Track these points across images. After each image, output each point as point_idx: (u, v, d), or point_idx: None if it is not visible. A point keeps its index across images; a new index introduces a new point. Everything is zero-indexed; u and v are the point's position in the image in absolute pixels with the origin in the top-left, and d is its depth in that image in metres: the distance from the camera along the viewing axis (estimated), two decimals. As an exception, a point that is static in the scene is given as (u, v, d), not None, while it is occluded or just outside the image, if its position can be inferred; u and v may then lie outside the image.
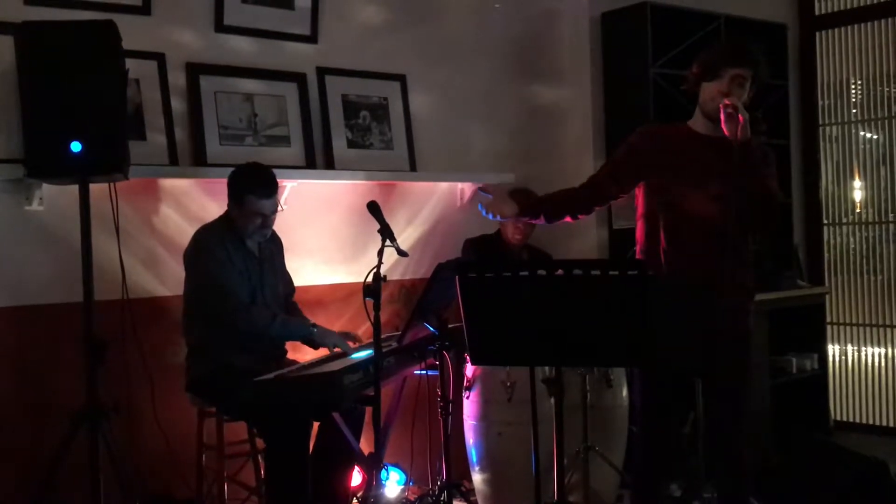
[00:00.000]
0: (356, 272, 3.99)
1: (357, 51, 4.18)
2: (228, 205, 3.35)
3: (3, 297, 3.27)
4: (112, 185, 3.15)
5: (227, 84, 3.80)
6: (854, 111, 5.65)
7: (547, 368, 3.19)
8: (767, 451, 4.46)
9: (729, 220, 2.91)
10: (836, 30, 5.62)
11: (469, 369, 3.81)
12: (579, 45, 4.71)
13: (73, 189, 3.02)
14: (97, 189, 3.09)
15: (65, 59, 2.86)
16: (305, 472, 3.05)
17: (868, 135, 5.62)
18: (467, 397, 3.82)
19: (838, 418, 5.56)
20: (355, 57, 4.17)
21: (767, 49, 4.07)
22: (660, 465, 3.16)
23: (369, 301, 2.86)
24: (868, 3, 5.46)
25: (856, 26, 5.53)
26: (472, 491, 3.91)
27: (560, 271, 2.35)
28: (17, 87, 3.00)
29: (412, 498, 3.88)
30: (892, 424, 5.34)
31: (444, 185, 4.44)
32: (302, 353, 3.52)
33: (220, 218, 3.39)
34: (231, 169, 3.36)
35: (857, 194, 5.65)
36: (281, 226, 3.48)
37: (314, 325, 3.38)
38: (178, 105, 3.68)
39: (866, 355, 5.51)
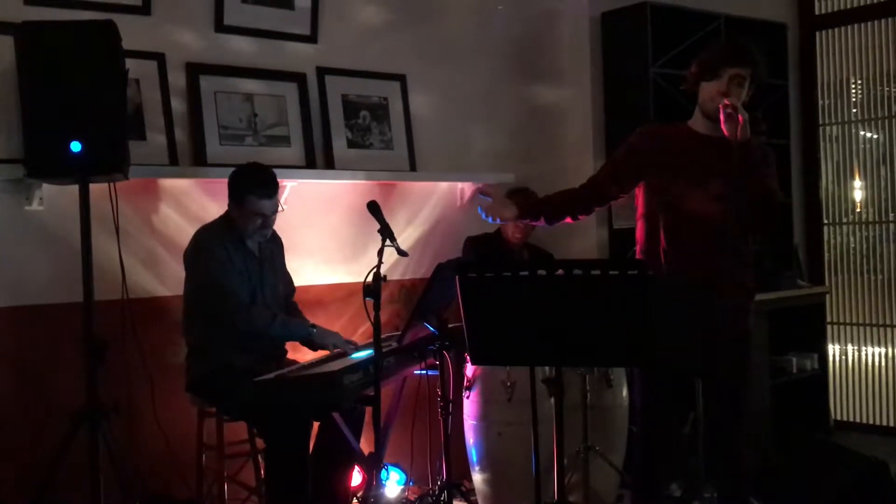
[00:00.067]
0: (356, 272, 3.99)
1: (357, 51, 4.18)
2: (229, 205, 3.34)
3: (3, 297, 3.27)
4: (112, 185, 3.15)
5: (227, 84, 3.80)
6: (854, 111, 5.65)
7: (547, 368, 3.20)
8: (767, 451, 4.46)
9: (729, 220, 2.92)
10: (836, 29, 5.62)
11: (469, 369, 3.81)
12: (579, 45, 4.71)
13: (73, 189, 3.01)
14: (97, 189, 3.09)
15: (65, 59, 2.86)
16: (305, 472, 3.05)
17: (868, 134, 5.62)
18: (467, 397, 3.83)
19: (838, 418, 5.56)
20: (355, 57, 4.17)
21: (767, 49, 4.08)
22: (660, 465, 3.16)
23: (369, 301, 2.86)
24: (868, 2, 5.46)
25: (856, 26, 5.53)
26: (472, 491, 3.91)
27: (560, 271, 2.35)
28: (17, 87, 3.00)
29: (412, 498, 3.88)
30: (892, 424, 5.34)
31: (444, 185, 4.44)
32: (302, 354, 3.52)
33: (221, 218, 3.39)
34: (231, 169, 3.36)
35: (858, 194, 5.65)
36: (281, 226, 3.48)
37: (314, 326, 3.38)
38: (178, 105, 3.68)
39: (866, 355, 5.51)
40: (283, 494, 3.07)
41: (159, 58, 3.62)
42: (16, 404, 3.26)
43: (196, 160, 3.67)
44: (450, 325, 3.31)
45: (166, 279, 3.60)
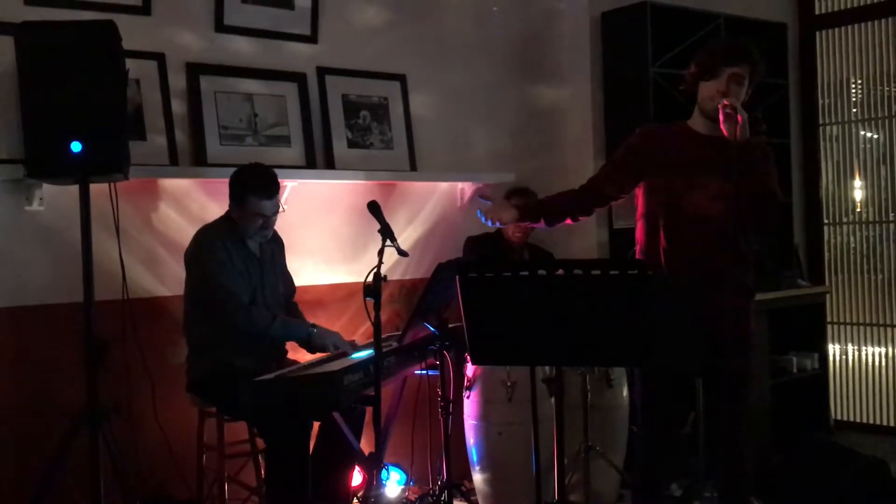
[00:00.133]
0: (356, 272, 3.99)
1: (357, 51, 4.18)
2: (230, 205, 3.35)
3: (4, 297, 3.27)
4: (112, 185, 3.15)
5: (227, 84, 3.80)
6: (854, 110, 5.65)
7: (547, 368, 3.20)
8: (767, 450, 4.46)
9: (729, 220, 2.91)
10: (836, 29, 5.62)
11: (469, 369, 3.81)
12: (579, 45, 4.71)
13: (74, 189, 3.01)
14: (97, 189, 3.09)
15: (65, 60, 2.86)
16: (306, 472, 3.05)
17: (868, 134, 5.62)
18: (468, 397, 3.83)
19: (839, 418, 5.56)
20: (355, 57, 4.17)
21: (767, 48, 4.07)
22: (660, 465, 3.16)
23: (370, 301, 2.86)
24: (868, 2, 5.46)
25: (856, 25, 5.53)
26: (472, 491, 3.91)
27: (560, 271, 2.35)
28: (17, 87, 3.00)
29: (413, 498, 3.88)
30: (892, 424, 5.34)
31: (444, 185, 4.44)
32: (302, 354, 3.51)
33: (222, 218, 3.39)
34: (231, 169, 3.36)
35: (858, 193, 5.65)
36: (281, 226, 3.48)
37: (314, 326, 3.38)
38: (178, 105, 3.68)
39: (867, 355, 5.51)
40: (284, 494, 3.07)
41: (159, 58, 3.63)
42: (16, 404, 3.26)
43: (196, 160, 3.67)
44: (450, 325, 3.31)
45: (166, 279, 3.60)
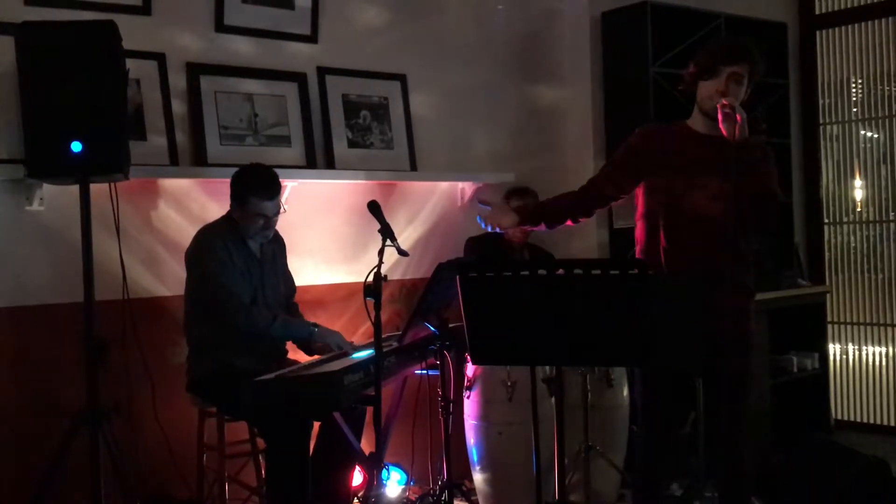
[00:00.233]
0: (357, 272, 3.99)
1: (357, 50, 4.18)
2: (231, 205, 3.35)
3: (4, 297, 3.27)
4: (112, 185, 3.15)
5: (228, 84, 3.80)
6: (854, 110, 5.65)
7: (547, 368, 3.20)
8: (768, 450, 4.46)
9: (729, 220, 2.91)
10: (837, 28, 5.62)
11: (470, 369, 3.81)
12: (579, 44, 4.71)
13: (74, 189, 3.01)
14: (98, 189, 3.09)
15: (65, 60, 2.86)
16: (306, 472, 3.05)
17: (868, 133, 5.62)
18: (468, 397, 3.83)
19: (839, 417, 5.57)
20: (356, 57, 4.17)
21: (768, 48, 4.07)
22: (661, 465, 3.15)
23: (370, 301, 2.85)
24: (868, 1, 5.46)
25: (856, 25, 5.53)
26: (472, 490, 3.91)
27: (561, 271, 2.35)
28: (18, 87, 3.00)
29: (413, 498, 3.88)
30: (892, 423, 5.34)
31: (444, 185, 4.45)
32: (303, 354, 3.51)
33: (223, 218, 3.39)
34: (231, 169, 3.36)
35: (858, 193, 5.65)
36: (281, 226, 3.48)
37: (315, 325, 3.38)
38: (178, 105, 3.68)
39: (867, 354, 5.51)
40: (284, 494, 3.07)
41: (160, 58, 3.63)
42: (16, 404, 3.26)
43: (196, 160, 3.67)
44: (450, 325, 3.31)
45: (167, 279, 3.60)
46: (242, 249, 3.34)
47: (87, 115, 2.85)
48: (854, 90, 5.63)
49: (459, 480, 3.79)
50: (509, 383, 3.66)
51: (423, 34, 4.39)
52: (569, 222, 3.19)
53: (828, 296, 5.44)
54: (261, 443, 3.37)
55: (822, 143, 5.70)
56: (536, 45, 4.77)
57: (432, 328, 3.31)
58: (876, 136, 5.57)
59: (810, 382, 5.21)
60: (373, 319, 2.86)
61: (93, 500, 2.93)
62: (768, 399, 4.68)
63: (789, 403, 4.89)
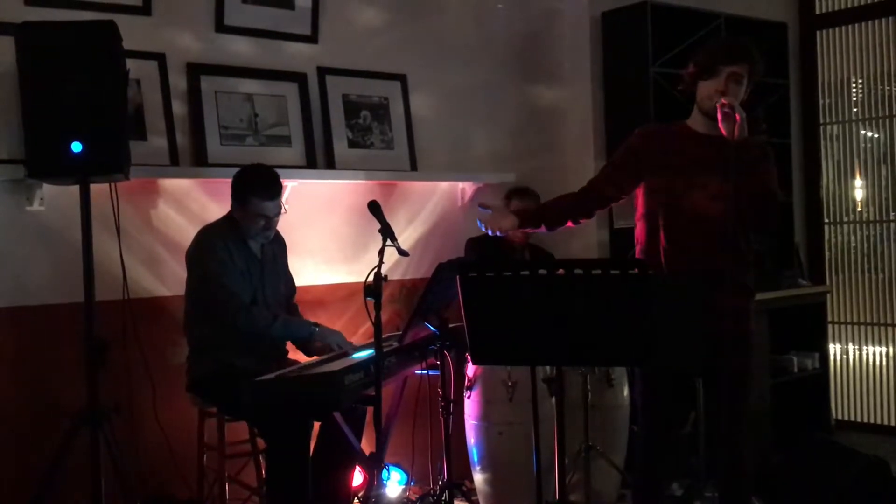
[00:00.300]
0: (357, 272, 3.99)
1: (357, 50, 4.18)
2: (232, 205, 3.35)
3: (4, 297, 3.27)
4: (113, 185, 3.15)
5: (228, 84, 3.80)
6: (855, 110, 5.65)
7: (548, 368, 3.20)
8: (768, 450, 4.46)
9: (729, 220, 2.91)
10: (837, 28, 5.62)
11: (470, 369, 3.81)
12: (579, 45, 4.71)
13: (74, 189, 3.02)
14: (98, 189, 3.09)
15: (65, 60, 2.86)
16: (306, 472, 3.05)
17: (869, 133, 5.62)
18: (468, 397, 3.82)
19: (839, 417, 5.57)
20: (356, 57, 4.17)
21: (768, 48, 4.07)
22: (661, 465, 3.15)
23: (370, 301, 2.85)
24: (868, 1, 5.46)
25: (856, 25, 5.53)
26: (473, 491, 3.91)
27: (561, 271, 2.35)
28: (18, 87, 3.00)
29: (413, 498, 3.88)
30: (893, 423, 5.34)
31: (444, 185, 4.45)
32: (303, 354, 3.51)
33: (224, 218, 3.39)
34: (232, 169, 3.36)
35: (858, 193, 5.65)
36: (282, 226, 3.47)
37: (316, 325, 3.38)
38: (178, 105, 3.68)
39: (867, 354, 5.51)
40: (284, 494, 3.07)
41: (160, 58, 3.63)
42: (16, 404, 3.26)
43: (197, 160, 3.68)
44: (450, 325, 3.31)
45: (167, 279, 3.60)
46: (243, 249, 3.34)
47: (88, 115, 2.86)
48: (854, 90, 5.63)
49: (460, 480, 3.79)
50: (510, 383, 3.66)
51: (423, 34, 4.39)
52: (569, 224, 3.20)
53: (828, 296, 5.44)
54: (261, 443, 3.37)
55: (822, 142, 5.70)
56: (536, 45, 4.77)
57: (432, 328, 3.31)
58: (876, 135, 5.57)
59: (810, 382, 5.21)
60: (373, 319, 2.86)
61: (93, 500, 2.93)
62: (768, 399, 4.68)
63: (789, 403, 4.89)
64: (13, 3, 3.29)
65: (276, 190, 3.29)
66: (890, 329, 5.41)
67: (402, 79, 4.31)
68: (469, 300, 2.41)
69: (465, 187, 4.47)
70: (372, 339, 2.92)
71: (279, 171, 3.40)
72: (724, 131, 2.81)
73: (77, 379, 3.06)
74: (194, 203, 3.68)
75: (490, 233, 3.19)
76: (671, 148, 3.03)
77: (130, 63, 3.07)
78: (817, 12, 5.68)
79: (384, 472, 3.65)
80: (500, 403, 3.70)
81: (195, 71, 3.72)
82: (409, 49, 4.34)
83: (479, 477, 3.84)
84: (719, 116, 2.82)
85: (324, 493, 3.20)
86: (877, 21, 5.44)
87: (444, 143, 4.46)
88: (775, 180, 3.01)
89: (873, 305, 5.50)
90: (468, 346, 2.48)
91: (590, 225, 4.50)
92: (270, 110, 3.89)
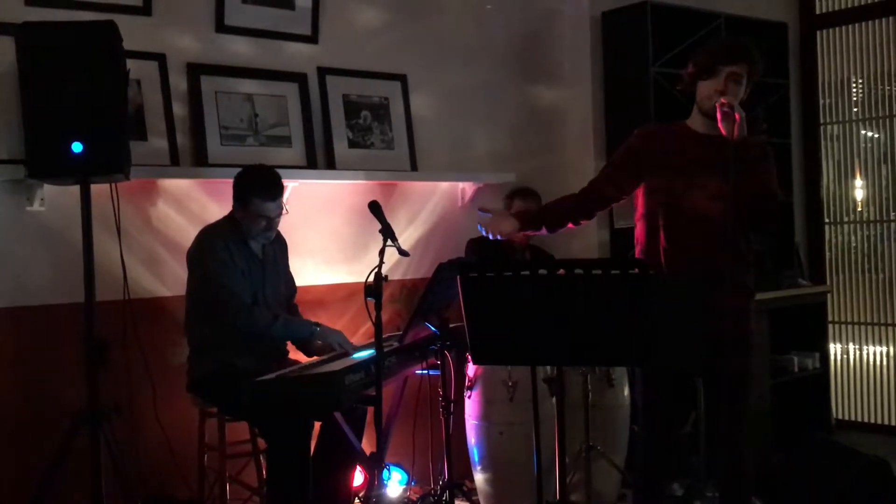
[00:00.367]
0: (357, 272, 3.99)
1: (358, 51, 4.18)
2: (233, 206, 3.35)
3: (4, 297, 3.27)
4: (113, 185, 3.15)
5: (228, 84, 3.80)
6: (855, 110, 5.65)
7: (548, 368, 3.20)
8: (768, 450, 4.46)
9: (729, 220, 2.90)
10: (837, 28, 5.62)
11: (470, 369, 3.81)
12: (579, 45, 4.71)
13: (75, 189, 3.02)
14: (98, 189, 3.09)
15: (65, 60, 2.86)
16: (307, 472, 3.05)
17: (869, 133, 5.62)
18: (469, 397, 3.83)
19: (840, 417, 5.56)
20: (356, 57, 4.17)
21: (768, 48, 4.07)
22: (661, 465, 3.15)
23: (370, 301, 2.85)
24: (868, 1, 5.46)
25: (856, 25, 5.53)
26: (473, 490, 3.91)
27: (561, 271, 2.35)
28: (18, 87, 3.00)
29: (414, 498, 3.88)
30: (893, 423, 5.34)
31: (444, 185, 4.45)
32: (303, 354, 3.51)
33: (225, 218, 3.39)
34: (232, 169, 3.37)
35: (859, 193, 5.65)
36: (282, 226, 3.47)
37: (317, 325, 3.38)
38: (178, 106, 3.68)
39: (868, 354, 5.51)
40: (285, 494, 3.07)
41: (160, 58, 3.63)
42: (16, 404, 3.26)
43: (197, 160, 3.68)
44: (451, 325, 3.31)
45: (167, 279, 3.60)
46: (244, 250, 3.34)
47: (88, 115, 2.86)
48: (854, 90, 5.63)
49: (460, 480, 3.79)
50: (510, 383, 3.66)
51: (423, 34, 4.40)
52: (570, 225, 3.20)
53: (828, 295, 5.44)
54: (261, 443, 3.37)
55: (822, 142, 5.70)
56: (536, 45, 4.77)
57: (433, 328, 3.31)
58: (876, 135, 5.57)
59: (811, 382, 5.21)
60: (373, 319, 2.86)
61: (93, 500, 2.93)
62: (769, 399, 4.68)
63: (790, 403, 4.89)
64: (13, 3, 3.29)
65: (277, 190, 3.29)
66: (890, 329, 5.41)
67: (402, 79, 4.31)
68: (469, 300, 2.41)
69: (466, 187, 4.47)
70: (372, 339, 2.92)
71: (279, 171, 3.40)
72: (723, 131, 2.81)
73: (77, 379, 3.06)
74: (194, 203, 3.68)
75: (491, 237, 3.18)
76: (671, 148, 3.03)
77: (130, 63, 3.07)
78: (817, 12, 5.68)
79: (385, 472, 3.65)
80: (501, 403, 3.70)
81: (195, 71, 3.72)
82: (409, 49, 4.34)
83: (479, 477, 3.84)
84: (719, 116, 2.82)
85: (324, 493, 3.20)
86: (877, 21, 5.44)
87: (445, 143, 4.46)
88: (775, 180, 3.01)
89: (873, 305, 5.49)
90: (468, 345, 2.48)
91: (590, 225, 4.50)
92: (271, 110, 3.89)
